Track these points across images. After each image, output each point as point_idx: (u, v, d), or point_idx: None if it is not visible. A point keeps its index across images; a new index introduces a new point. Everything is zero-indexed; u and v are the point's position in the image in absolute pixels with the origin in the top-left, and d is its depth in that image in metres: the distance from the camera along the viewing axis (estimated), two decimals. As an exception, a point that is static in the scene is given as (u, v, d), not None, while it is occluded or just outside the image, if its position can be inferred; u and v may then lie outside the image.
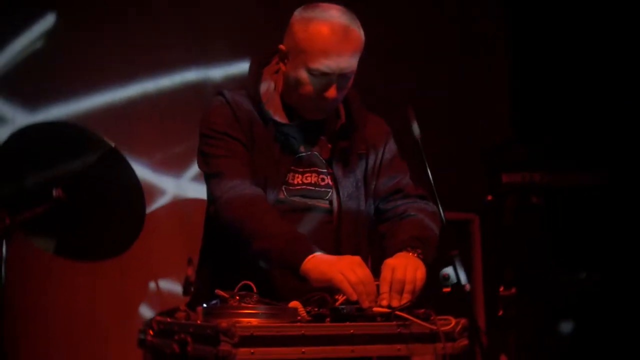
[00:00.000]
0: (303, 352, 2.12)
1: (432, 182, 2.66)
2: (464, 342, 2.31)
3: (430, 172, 2.66)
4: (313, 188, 2.70)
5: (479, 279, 4.82)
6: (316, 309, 2.29)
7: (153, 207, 4.62)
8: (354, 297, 2.29)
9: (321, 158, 2.72)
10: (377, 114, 2.90)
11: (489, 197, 4.74)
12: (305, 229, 2.64)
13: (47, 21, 4.65)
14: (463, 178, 5.09)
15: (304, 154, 2.71)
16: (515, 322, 4.12)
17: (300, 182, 2.69)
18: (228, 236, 2.56)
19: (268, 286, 2.42)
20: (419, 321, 2.23)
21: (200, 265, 2.84)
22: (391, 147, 2.83)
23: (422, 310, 2.28)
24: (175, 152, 4.85)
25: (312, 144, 2.72)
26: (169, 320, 2.38)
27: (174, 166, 4.84)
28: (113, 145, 3.43)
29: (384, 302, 2.32)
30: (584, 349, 4.44)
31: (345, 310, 2.28)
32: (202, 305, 2.30)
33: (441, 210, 2.71)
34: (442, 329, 2.24)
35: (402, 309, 2.27)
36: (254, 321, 2.15)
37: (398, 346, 2.21)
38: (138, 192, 3.51)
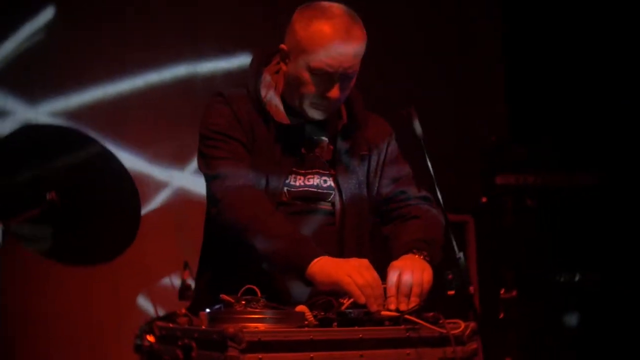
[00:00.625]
0: (311, 358, 2.08)
1: (435, 182, 2.62)
2: (474, 345, 2.27)
3: (428, 172, 2.62)
4: (315, 190, 2.65)
5: (474, 280, 4.79)
6: (322, 313, 2.25)
7: (146, 208, 4.57)
8: (362, 300, 2.25)
9: (323, 159, 2.68)
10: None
11: (484, 199, 4.72)
12: (308, 231, 2.59)
13: (46, 14, 4.63)
14: (458, 179, 5.05)
15: (305, 155, 2.66)
16: (517, 324, 4.09)
17: (302, 183, 2.64)
18: (230, 238, 2.51)
19: (271, 290, 2.37)
20: (428, 325, 2.19)
21: (200, 269, 2.79)
22: (394, 147, 2.79)
23: (431, 314, 2.24)
24: (170, 150, 4.83)
25: (314, 145, 2.67)
26: (171, 325, 2.33)
27: (169, 164, 4.81)
28: (107, 147, 3.38)
29: (392, 306, 2.29)
30: (585, 349, 4.42)
31: (352, 315, 2.24)
32: (204, 310, 2.25)
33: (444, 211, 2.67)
34: (452, 332, 2.20)
35: (411, 312, 2.24)
36: (261, 326, 2.10)
37: (407, 350, 2.18)
38: (133, 195, 3.46)
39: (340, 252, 2.60)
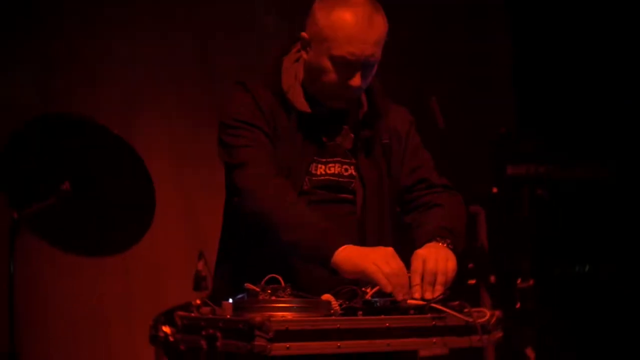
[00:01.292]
0: (339, 346, 2.07)
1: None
2: (499, 334, 2.27)
3: (442, 163, 2.62)
4: (337, 179, 2.64)
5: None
6: (347, 302, 2.24)
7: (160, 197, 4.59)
8: (389, 289, 2.24)
9: (344, 148, 2.66)
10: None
11: (494, 190, 4.70)
12: (329, 220, 2.58)
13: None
14: (468, 170, 5.05)
15: (326, 143, 2.64)
16: (533, 314, 4.09)
17: (323, 172, 2.63)
18: (252, 228, 2.50)
19: (292, 279, 2.36)
20: (455, 313, 2.19)
21: (220, 259, 2.77)
22: (414, 136, 2.77)
23: (457, 302, 2.24)
24: (186, 139, 4.83)
25: (335, 134, 2.65)
26: (193, 315, 2.31)
27: (184, 154, 4.81)
28: (123, 138, 3.36)
29: (417, 295, 2.28)
30: (598, 341, 4.43)
31: (378, 303, 2.22)
32: (223, 299, 2.24)
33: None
34: (478, 321, 2.20)
35: (437, 301, 2.23)
36: (288, 315, 2.09)
37: (434, 339, 2.18)
38: (148, 187, 3.43)
39: (362, 241, 2.57)
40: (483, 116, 5.47)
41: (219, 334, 2.13)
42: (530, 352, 3.97)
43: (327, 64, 2.53)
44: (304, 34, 2.60)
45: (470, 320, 2.19)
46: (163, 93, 4.87)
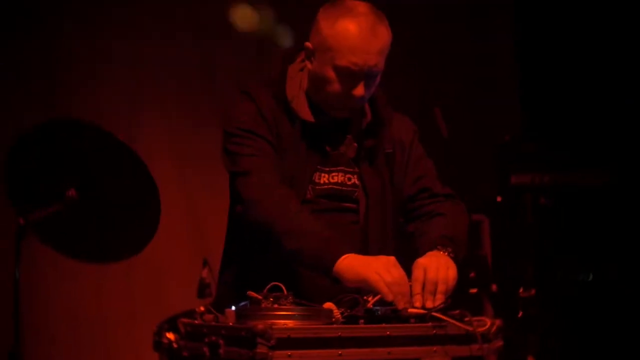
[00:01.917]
0: (340, 354, 2.09)
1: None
2: (499, 343, 2.28)
3: (444, 172, 2.63)
4: (340, 187, 2.66)
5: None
6: (349, 311, 2.25)
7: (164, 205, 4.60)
8: (390, 298, 2.26)
9: (347, 157, 2.68)
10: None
11: (499, 198, 4.71)
12: (332, 229, 2.59)
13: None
14: (472, 179, 5.06)
15: (330, 152, 2.66)
16: (536, 321, 4.10)
17: (327, 181, 2.65)
18: (256, 236, 2.52)
19: (295, 286, 2.37)
20: (455, 322, 2.20)
21: (224, 267, 2.79)
22: (418, 146, 2.79)
23: (457, 311, 2.25)
24: (190, 146, 4.84)
25: (339, 143, 2.68)
26: (196, 322, 2.33)
27: (188, 160, 4.82)
28: (129, 145, 3.38)
29: (417, 303, 2.29)
30: (601, 348, 4.43)
31: (379, 312, 2.24)
32: (226, 307, 2.25)
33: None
34: (479, 330, 2.21)
35: (438, 310, 2.24)
36: (289, 323, 2.10)
37: (435, 348, 2.19)
38: (153, 194, 3.44)
39: (364, 249, 2.60)
40: (488, 117, 5.48)
41: (221, 341, 2.15)
42: (532, 360, 3.98)
43: (331, 73, 2.55)
44: (307, 43, 2.62)
45: (471, 329, 2.21)
46: (163, 93, 4.89)
